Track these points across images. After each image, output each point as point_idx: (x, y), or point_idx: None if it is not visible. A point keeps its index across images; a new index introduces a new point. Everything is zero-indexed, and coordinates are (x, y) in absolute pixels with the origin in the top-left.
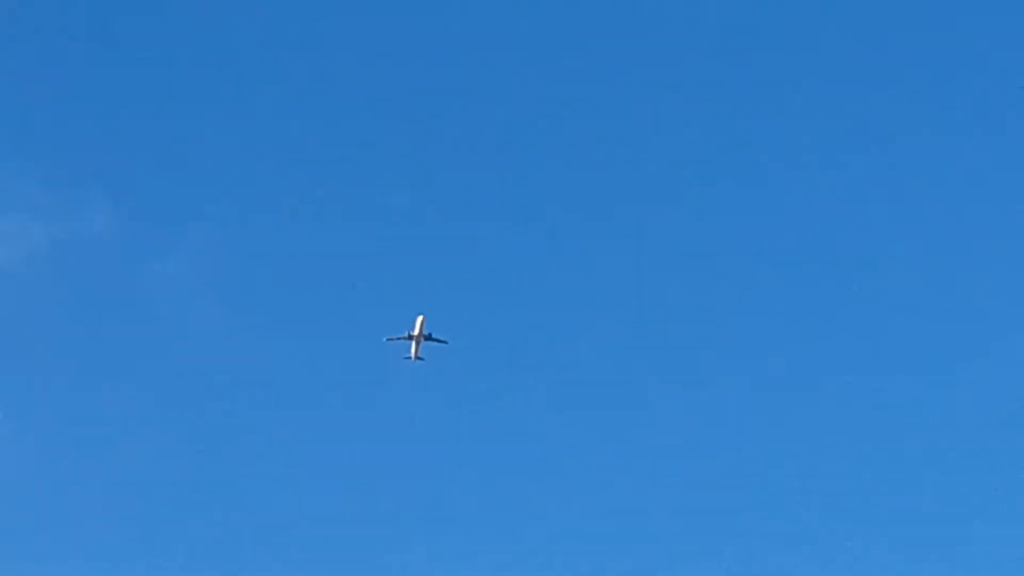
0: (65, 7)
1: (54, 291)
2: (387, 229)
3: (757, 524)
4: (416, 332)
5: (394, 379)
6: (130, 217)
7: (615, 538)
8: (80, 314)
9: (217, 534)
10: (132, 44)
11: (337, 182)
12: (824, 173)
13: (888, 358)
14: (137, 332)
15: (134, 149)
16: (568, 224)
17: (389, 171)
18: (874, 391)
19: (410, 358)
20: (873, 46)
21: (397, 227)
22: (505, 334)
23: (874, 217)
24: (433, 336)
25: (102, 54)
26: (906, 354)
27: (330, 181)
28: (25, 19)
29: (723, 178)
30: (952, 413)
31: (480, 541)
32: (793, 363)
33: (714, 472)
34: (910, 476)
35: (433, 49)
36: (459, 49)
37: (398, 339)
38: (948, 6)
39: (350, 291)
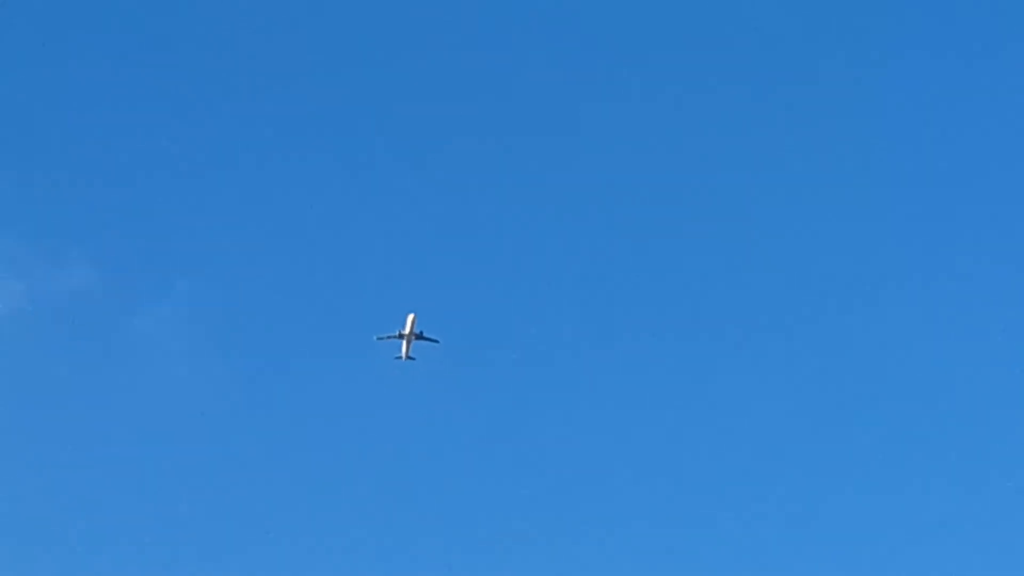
0: (37, 69)
1: (35, 348)
2: (378, 224)
3: (753, 524)
4: (407, 331)
5: (384, 380)
6: (111, 273)
7: (612, 538)
8: (61, 371)
9: None
10: (108, 100)
11: (323, 227)
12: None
13: (889, 358)
14: (119, 388)
15: (115, 205)
16: (565, 219)
17: (378, 174)
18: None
19: (401, 358)
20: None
21: (388, 223)
22: (499, 333)
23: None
24: (424, 335)
25: (79, 109)
26: (907, 354)
27: (313, 229)
28: None
29: (718, 175)
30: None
31: (474, 543)
32: (798, 364)
33: (710, 469)
34: (909, 476)
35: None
36: (431, 48)
37: (388, 338)
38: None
39: (334, 345)
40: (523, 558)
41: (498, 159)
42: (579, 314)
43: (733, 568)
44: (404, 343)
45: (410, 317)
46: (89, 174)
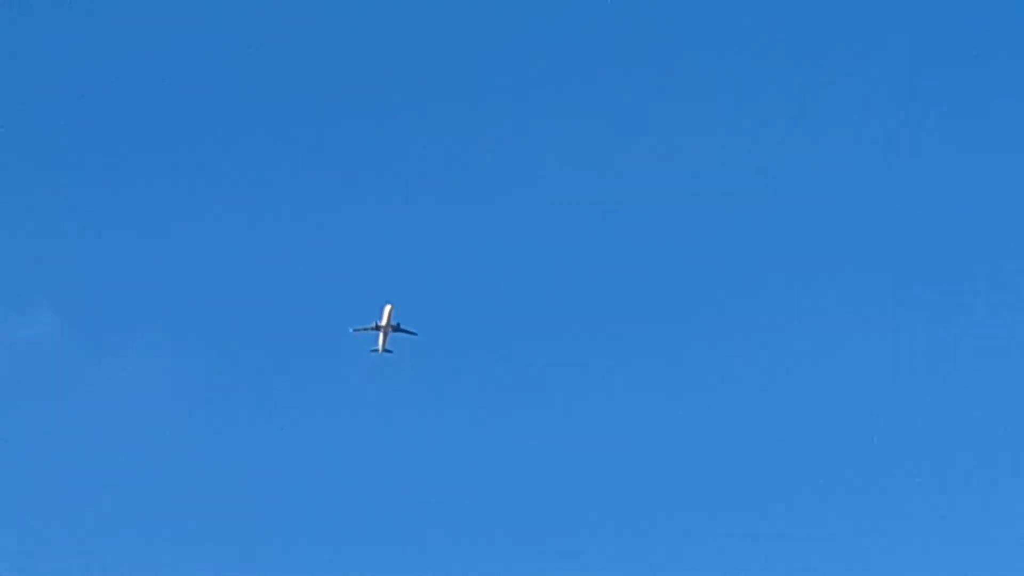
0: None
1: None
2: (355, 213)
3: (748, 523)
4: (384, 322)
5: (360, 373)
6: (75, 321)
7: (598, 536)
8: (25, 420)
9: None
10: (71, 148)
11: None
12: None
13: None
14: (83, 436)
15: (77, 253)
16: (546, 210)
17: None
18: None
19: (377, 350)
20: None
21: (365, 211)
22: (478, 325)
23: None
24: (402, 327)
25: (40, 159)
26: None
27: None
28: None
29: (701, 177)
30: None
31: (455, 542)
32: (779, 363)
33: (691, 466)
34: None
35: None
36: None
37: (364, 330)
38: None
39: (304, 392)
40: (504, 557)
41: (482, 149)
42: (563, 307)
43: (734, 567)
44: (381, 335)
45: (387, 308)
46: (53, 221)
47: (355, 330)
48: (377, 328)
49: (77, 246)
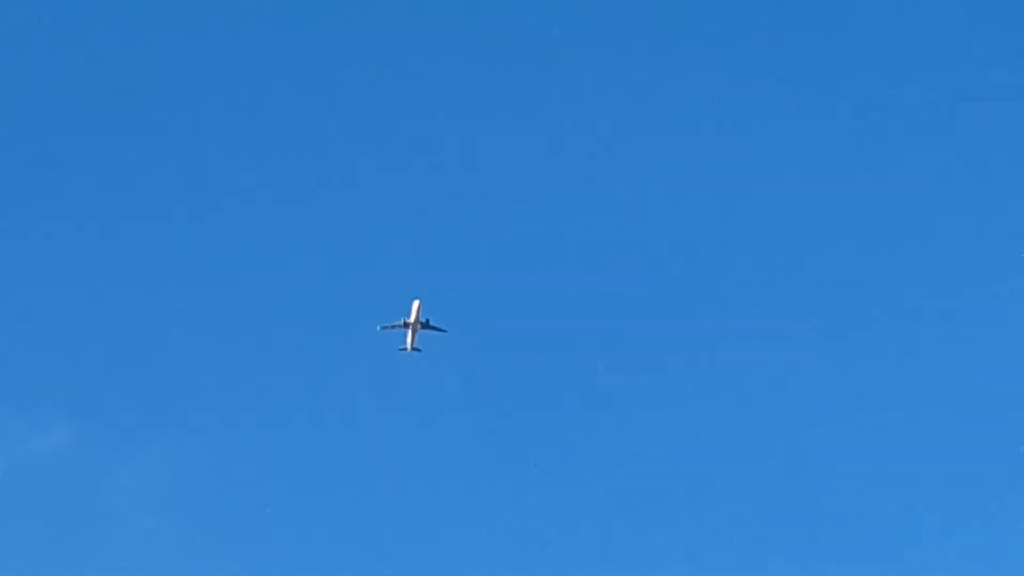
0: None
1: (12, 511)
2: (382, 210)
3: (758, 525)
4: (412, 319)
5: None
6: (89, 432)
7: (626, 536)
8: (40, 532)
9: None
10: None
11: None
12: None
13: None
14: (98, 548)
15: (91, 363)
16: (576, 209)
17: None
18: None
19: (406, 349)
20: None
21: (393, 208)
22: (510, 322)
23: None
24: (431, 324)
25: (47, 268)
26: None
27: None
28: None
29: (730, 175)
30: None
31: (481, 544)
32: (798, 360)
33: (718, 467)
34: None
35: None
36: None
37: (392, 327)
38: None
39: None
40: (533, 557)
41: (509, 145)
42: (600, 306)
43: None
44: (409, 332)
45: (416, 304)
46: (65, 330)
47: (383, 328)
48: (405, 325)
49: (88, 358)
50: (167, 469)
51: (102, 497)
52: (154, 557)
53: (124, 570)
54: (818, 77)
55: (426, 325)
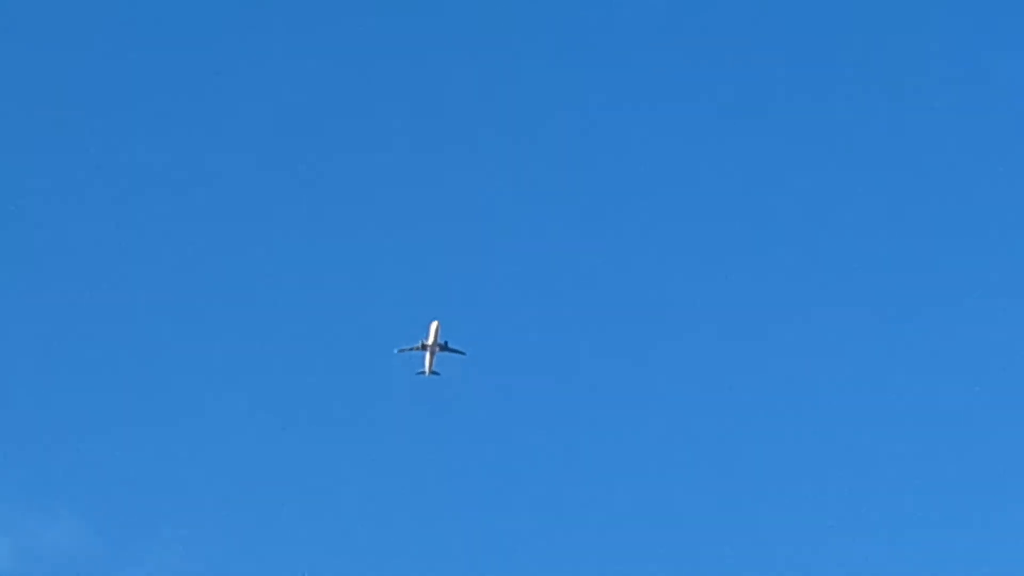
0: None
1: None
2: (399, 228)
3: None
4: (430, 341)
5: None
6: (99, 528)
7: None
8: None
9: None
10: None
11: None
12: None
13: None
14: None
15: (100, 458)
16: (597, 222)
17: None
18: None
19: (424, 373)
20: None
21: (411, 226)
22: (530, 344)
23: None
24: (450, 346)
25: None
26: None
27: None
28: None
29: (731, 175)
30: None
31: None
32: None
33: (749, 482)
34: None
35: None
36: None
37: (410, 350)
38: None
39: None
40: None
41: (534, 161)
42: (618, 324)
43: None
44: (428, 355)
45: (434, 325)
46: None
47: (400, 351)
48: (424, 347)
49: (97, 453)
50: (176, 561)
51: None
52: None
53: None
54: (818, 77)
55: (445, 347)
